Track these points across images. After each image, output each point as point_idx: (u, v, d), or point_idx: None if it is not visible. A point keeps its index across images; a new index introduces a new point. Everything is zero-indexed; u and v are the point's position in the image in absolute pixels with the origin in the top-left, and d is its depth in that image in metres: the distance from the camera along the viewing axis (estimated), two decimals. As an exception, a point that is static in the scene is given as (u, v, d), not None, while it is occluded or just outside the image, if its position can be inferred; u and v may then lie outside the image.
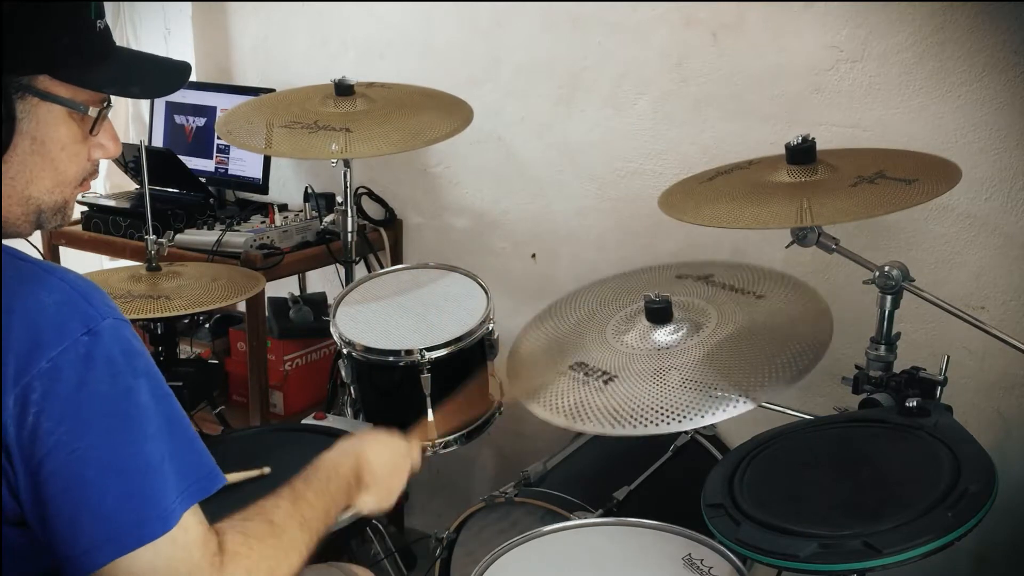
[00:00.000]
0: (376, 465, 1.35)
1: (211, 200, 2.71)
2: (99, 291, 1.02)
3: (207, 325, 2.86)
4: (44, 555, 1.01)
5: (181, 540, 1.00)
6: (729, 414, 1.47)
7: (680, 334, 1.70)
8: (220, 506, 1.08)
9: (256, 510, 1.13)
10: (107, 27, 1.14)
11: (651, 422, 1.50)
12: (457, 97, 2.27)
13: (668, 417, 1.50)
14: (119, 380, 0.98)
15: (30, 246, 1.62)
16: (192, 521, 1.02)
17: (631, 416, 1.51)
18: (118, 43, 1.17)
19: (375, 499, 1.36)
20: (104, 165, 3.08)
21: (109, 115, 1.13)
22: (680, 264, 1.97)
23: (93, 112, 1.10)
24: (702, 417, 1.48)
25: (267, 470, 1.69)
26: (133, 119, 3.12)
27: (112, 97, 1.14)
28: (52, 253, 2.76)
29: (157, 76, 1.23)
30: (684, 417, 1.49)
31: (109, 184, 3.12)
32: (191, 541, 1.01)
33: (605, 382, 1.60)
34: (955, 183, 1.63)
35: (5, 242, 1.05)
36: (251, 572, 1.05)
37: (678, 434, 2.16)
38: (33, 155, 1.06)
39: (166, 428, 1.02)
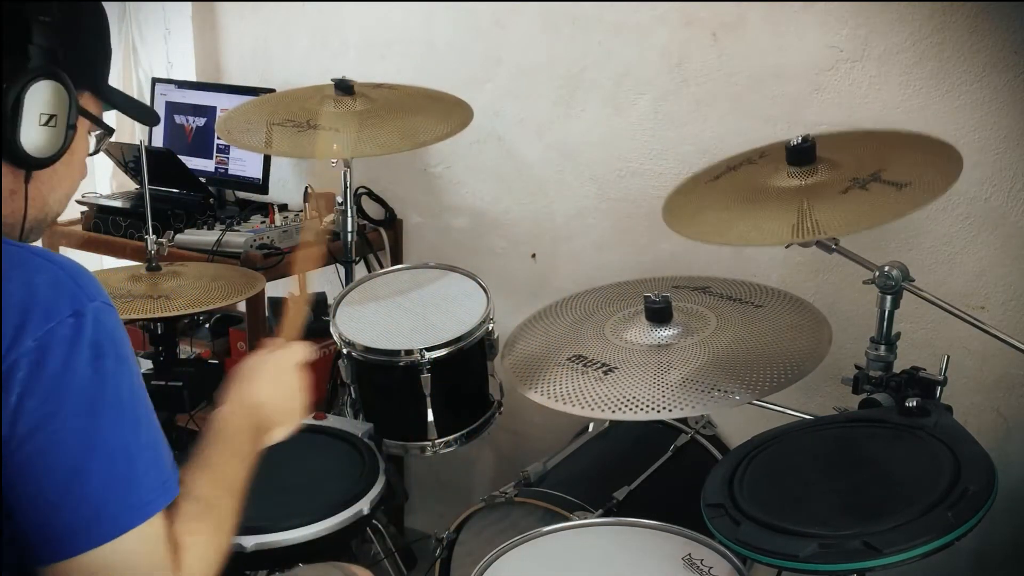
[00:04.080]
0: (270, 404, 1.26)
1: (211, 200, 2.71)
2: (89, 275, 1.03)
3: (207, 325, 2.86)
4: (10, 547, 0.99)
5: (146, 536, 0.99)
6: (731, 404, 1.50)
7: (679, 331, 1.72)
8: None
9: (181, 493, 1.08)
10: None
11: (652, 409, 1.53)
12: (459, 98, 2.27)
13: (671, 405, 1.53)
14: (103, 364, 0.98)
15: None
16: (158, 519, 1.01)
17: (633, 403, 1.54)
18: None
19: (286, 427, 1.29)
20: (108, 167, 3.09)
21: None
22: (676, 277, 1.98)
23: (108, 131, 1.19)
24: (704, 405, 1.51)
25: None
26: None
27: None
28: (52, 253, 2.76)
29: (141, 105, 1.33)
30: (687, 405, 1.53)
31: (115, 183, 3.12)
32: (157, 537, 1.00)
33: (605, 373, 1.63)
34: (950, 183, 1.62)
35: None
36: (202, 559, 1.05)
37: (678, 434, 2.16)
38: (65, 165, 1.13)
39: (143, 420, 1.02)
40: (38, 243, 1.15)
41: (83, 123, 1.15)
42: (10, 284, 0.97)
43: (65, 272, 1.01)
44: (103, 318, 1.00)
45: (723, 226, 1.71)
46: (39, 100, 1.06)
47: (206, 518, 1.07)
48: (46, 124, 1.08)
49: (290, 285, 2.82)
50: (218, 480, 1.13)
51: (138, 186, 2.72)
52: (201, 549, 1.05)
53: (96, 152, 1.20)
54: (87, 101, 1.15)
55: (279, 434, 1.29)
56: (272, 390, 1.27)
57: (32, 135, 1.07)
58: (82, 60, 1.13)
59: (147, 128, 3.00)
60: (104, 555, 0.96)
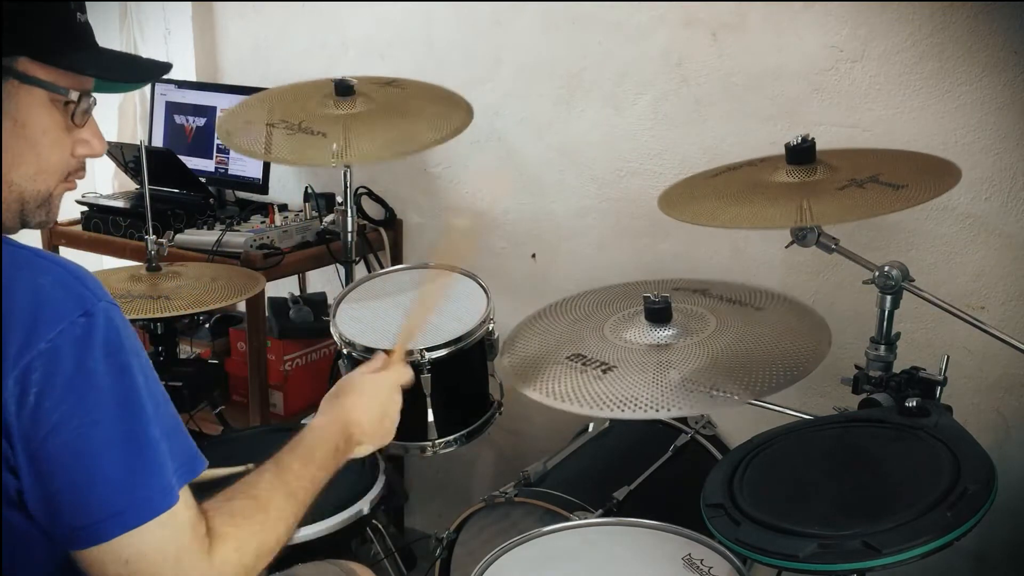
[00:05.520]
0: (366, 422, 1.33)
1: (211, 200, 2.71)
2: (91, 275, 1.04)
3: (207, 325, 2.86)
4: (46, 543, 1.02)
5: (172, 522, 1.01)
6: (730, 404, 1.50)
7: (678, 332, 1.72)
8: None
9: (239, 487, 1.14)
10: (88, 23, 1.14)
11: (652, 408, 1.53)
12: (462, 97, 2.27)
13: (671, 404, 1.53)
14: (115, 360, 1.00)
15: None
16: (183, 503, 1.03)
17: (633, 402, 1.54)
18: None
19: (373, 446, 1.35)
20: (110, 169, 3.08)
21: (94, 113, 1.13)
22: (676, 280, 1.98)
23: (74, 97, 1.09)
24: (704, 405, 1.51)
25: (251, 466, 1.67)
26: (140, 119, 3.12)
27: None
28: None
29: (138, 66, 1.25)
30: (687, 405, 1.53)
31: (117, 183, 3.12)
32: (182, 522, 1.03)
33: (604, 371, 1.63)
34: (947, 189, 1.63)
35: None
36: (240, 551, 1.07)
37: (678, 434, 2.16)
38: (14, 137, 1.06)
39: (157, 409, 1.04)
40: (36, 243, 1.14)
41: (33, 91, 1.05)
42: (16, 285, 0.98)
43: (70, 273, 1.02)
44: (112, 316, 1.01)
45: (717, 210, 1.72)
46: None
47: (254, 515, 1.11)
48: None
49: (290, 285, 2.84)
50: (283, 483, 1.17)
51: (138, 186, 2.72)
52: (240, 542, 1.07)
53: (77, 120, 1.10)
54: (29, 66, 1.05)
55: (364, 451, 1.33)
56: (370, 409, 1.33)
57: None
58: (11, 23, 1.02)
59: (147, 128, 3.00)
60: (132, 541, 0.99)
